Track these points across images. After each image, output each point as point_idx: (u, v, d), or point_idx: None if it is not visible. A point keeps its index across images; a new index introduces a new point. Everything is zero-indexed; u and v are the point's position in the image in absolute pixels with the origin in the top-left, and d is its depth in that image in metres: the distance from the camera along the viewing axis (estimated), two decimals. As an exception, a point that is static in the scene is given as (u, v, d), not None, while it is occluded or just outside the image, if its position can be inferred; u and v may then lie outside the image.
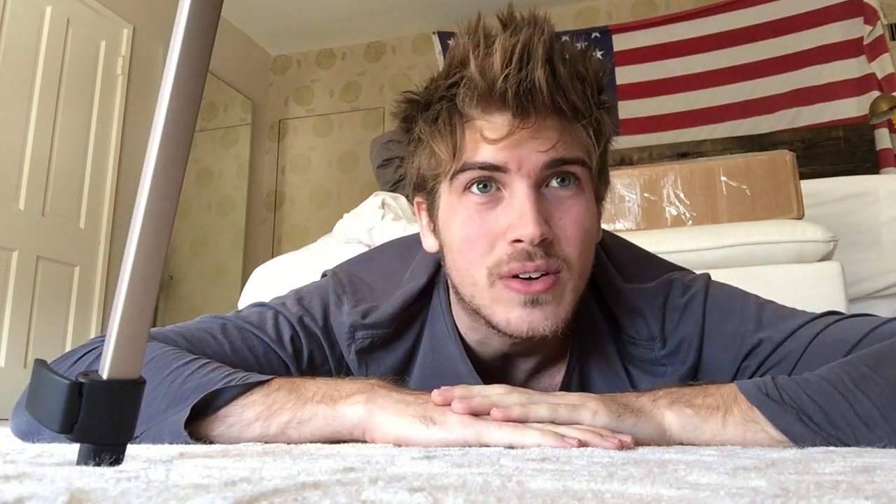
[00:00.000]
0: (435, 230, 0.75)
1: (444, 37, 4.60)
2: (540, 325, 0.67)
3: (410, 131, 0.74)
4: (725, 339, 0.73)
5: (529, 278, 0.66)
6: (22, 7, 3.12)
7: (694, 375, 0.74)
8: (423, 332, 0.80)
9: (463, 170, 0.68)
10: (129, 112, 3.69)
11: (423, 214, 0.77)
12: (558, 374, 0.78)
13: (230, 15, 4.61)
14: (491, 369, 0.79)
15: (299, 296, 0.80)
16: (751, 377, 0.71)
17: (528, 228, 0.64)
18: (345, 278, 0.81)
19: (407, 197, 2.71)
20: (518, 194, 0.66)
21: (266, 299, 0.82)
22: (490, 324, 0.70)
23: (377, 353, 0.78)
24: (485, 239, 0.67)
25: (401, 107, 0.74)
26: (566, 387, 0.77)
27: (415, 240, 0.84)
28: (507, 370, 0.78)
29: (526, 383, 0.78)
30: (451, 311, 0.79)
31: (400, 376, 0.78)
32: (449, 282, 0.76)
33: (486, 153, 0.66)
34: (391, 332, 0.77)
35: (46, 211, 3.19)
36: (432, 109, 0.70)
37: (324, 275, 0.86)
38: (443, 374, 0.77)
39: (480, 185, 0.68)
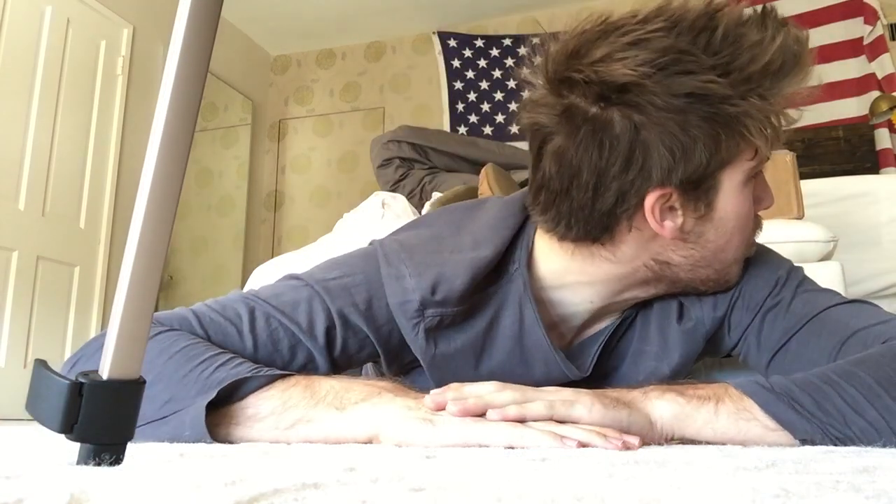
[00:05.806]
0: (704, 218, 0.69)
1: (445, 37, 4.59)
2: None
3: (716, 120, 0.65)
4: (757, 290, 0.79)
5: None
6: (22, 7, 3.12)
7: (715, 333, 0.79)
8: (500, 315, 0.76)
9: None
10: (129, 112, 3.69)
11: (658, 212, 0.68)
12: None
13: (230, 15, 4.60)
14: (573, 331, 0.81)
15: (342, 273, 0.75)
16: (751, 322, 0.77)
17: (771, 198, 0.73)
18: (397, 247, 0.76)
19: (409, 196, 2.70)
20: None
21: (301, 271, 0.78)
22: (725, 282, 0.76)
23: (446, 332, 0.74)
24: (751, 213, 0.73)
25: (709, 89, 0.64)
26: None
27: (467, 206, 0.82)
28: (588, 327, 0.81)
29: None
30: (538, 294, 0.76)
31: (474, 356, 0.76)
32: (677, 262, 0.72)
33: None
34: (462, 311, 0.73)
35: (46, 211, 3.18)
36: (745, 101, 0.64)
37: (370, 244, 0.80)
38: (530, 357, 0.76)
39: None
